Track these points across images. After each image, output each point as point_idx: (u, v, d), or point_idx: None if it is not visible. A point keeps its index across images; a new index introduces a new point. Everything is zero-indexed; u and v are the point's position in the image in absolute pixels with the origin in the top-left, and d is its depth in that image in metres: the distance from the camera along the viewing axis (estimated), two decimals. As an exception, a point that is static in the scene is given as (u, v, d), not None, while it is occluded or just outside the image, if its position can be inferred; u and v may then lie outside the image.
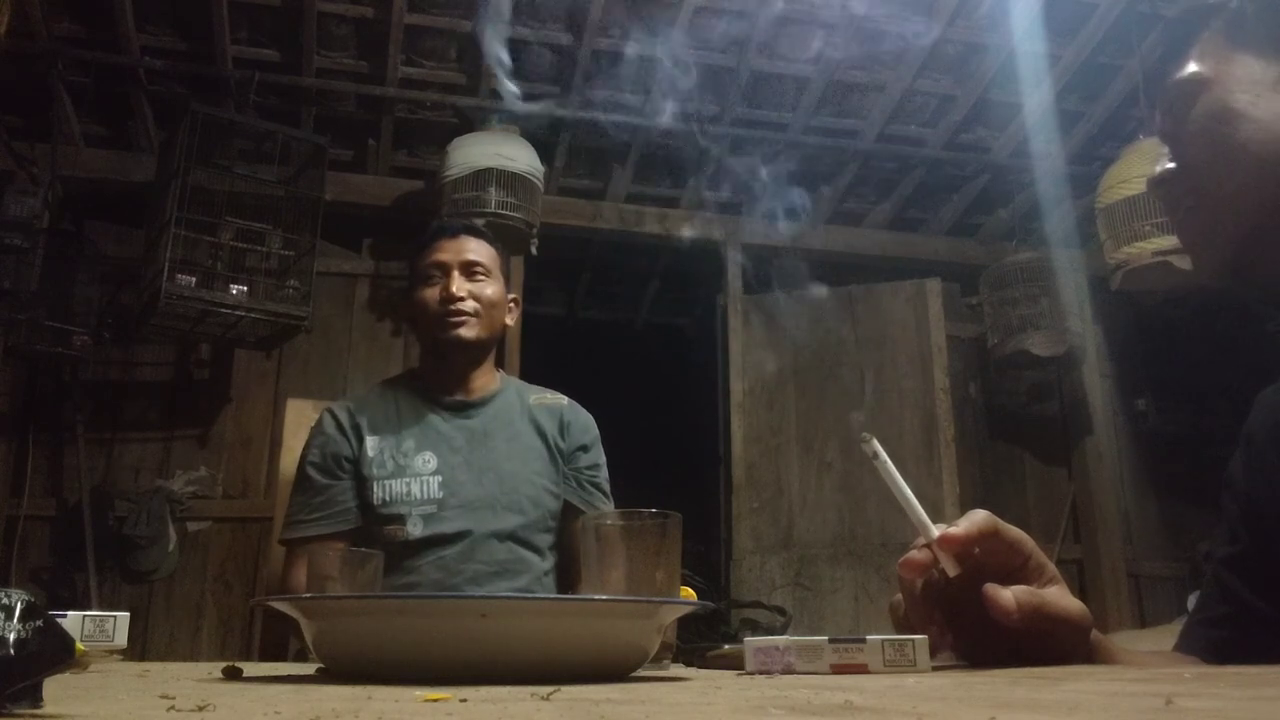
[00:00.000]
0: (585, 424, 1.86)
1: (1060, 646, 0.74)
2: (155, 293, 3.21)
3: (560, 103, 3.86)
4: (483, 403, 1.81)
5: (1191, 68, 0.85)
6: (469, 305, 1.74)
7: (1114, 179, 3.58)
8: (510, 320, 1.85)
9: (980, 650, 0.77)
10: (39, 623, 0.41)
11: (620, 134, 4.02)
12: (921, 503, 0.79)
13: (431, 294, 1.75)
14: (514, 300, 1.87)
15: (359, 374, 3.92)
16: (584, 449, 1.83)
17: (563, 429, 1.82)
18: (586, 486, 1.80)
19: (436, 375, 1.81)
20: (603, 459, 1.85)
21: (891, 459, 0.79)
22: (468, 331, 1.75)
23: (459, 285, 1.74)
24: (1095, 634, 0.78)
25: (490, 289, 1.78)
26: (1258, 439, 0.91)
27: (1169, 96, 0.87)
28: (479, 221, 3.40)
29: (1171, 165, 0.88)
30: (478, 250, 1.80)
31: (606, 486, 1.83)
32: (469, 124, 3.78)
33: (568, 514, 1.78)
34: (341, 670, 0.73)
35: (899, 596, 0.77)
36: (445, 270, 1.76)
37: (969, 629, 0.75)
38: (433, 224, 1.94)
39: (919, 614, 0.75)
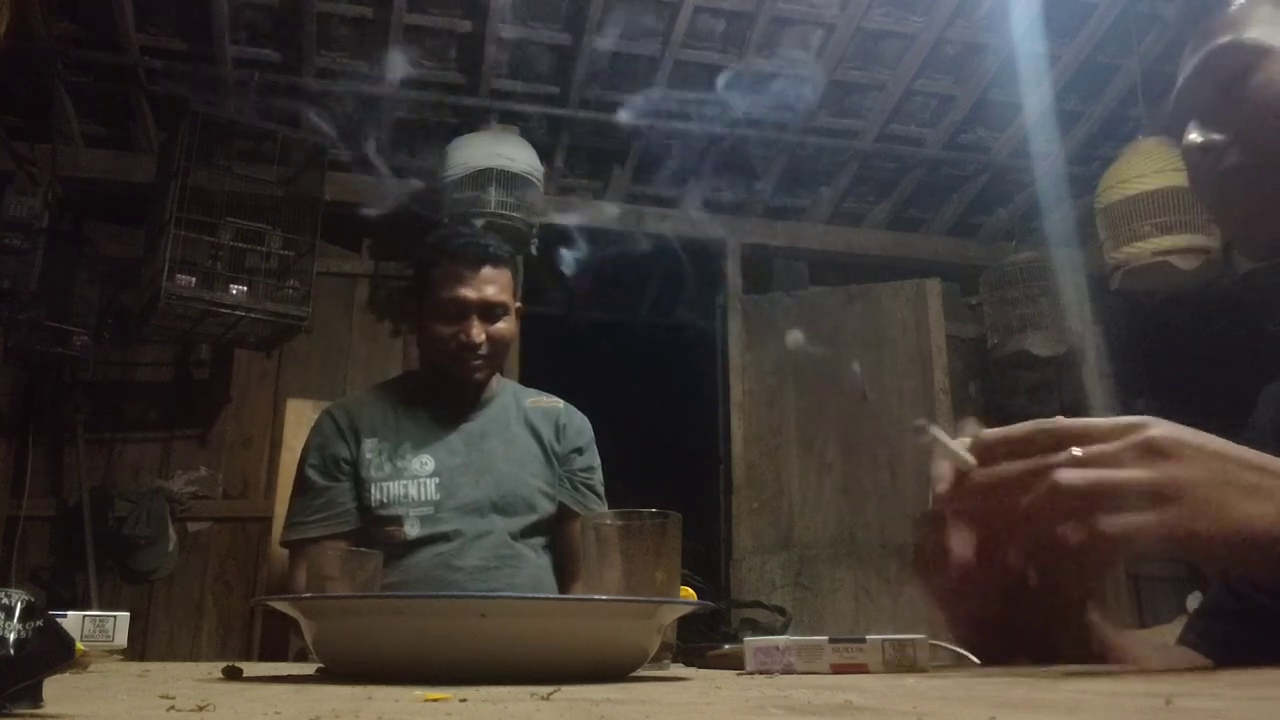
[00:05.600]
0: (580, 427, 1.87)
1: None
2: (155, 293, 3.21)
3: (560, 103, 3.86)
4: (480, 406, 1.82)
5: (1248, 34, 0.82)
6: (485, 349, 1.73)
7: (1114, 179, 3.58)
8: (514, 328, 1.83)
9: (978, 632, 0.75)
10: (39, 623, 0.41)
11: (620, 134, 4.02)
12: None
13: (448, 331, 1.72)
14: (518, 308, 1.85)
15: (359, 374, 3.92)
16: (579, 451, 1.84)
17: (558, 432, 1.84)
18: (580, 488, 1.81)
19: (436, 384, 1.81)
20: (597, 461, 1.87)
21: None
22: (481, 375, 1.77)
23: (478, 331, 1.71)
24: (1102, 617, 0.75)
25: (506, 326, 1.76)
26: (1266, 433, 0.90)
27: (1221, 63, 0.83)
28: (481, 223, 3.41)
29: (1218, 136, 0.84)
30: (497, 283, 1.74)
31: (600, 489, 1.85)
32: (469, 124, 3.78)
33: (562, 515, 1.80)
34: (341, 670, 0.73)
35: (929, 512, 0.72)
36: (464, 311, 1.71)
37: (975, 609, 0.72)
38: (447, 236, 1.84)
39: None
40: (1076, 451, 0.62)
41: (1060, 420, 0.65)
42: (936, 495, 0.69)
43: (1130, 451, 0.62)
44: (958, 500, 0.68)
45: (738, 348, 4.30)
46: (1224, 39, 0.83)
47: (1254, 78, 0.82)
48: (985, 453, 0.66)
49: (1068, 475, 0.61)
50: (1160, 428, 0.63)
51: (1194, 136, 0.86)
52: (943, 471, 0.70)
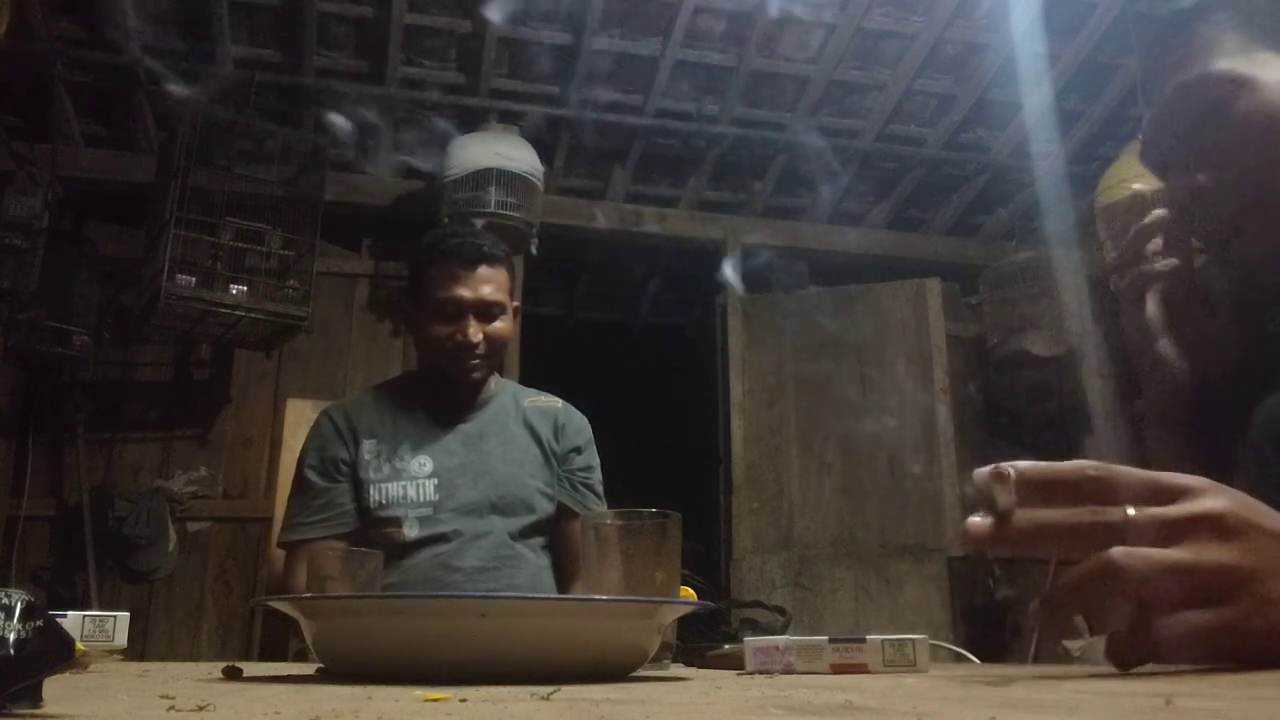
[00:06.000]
0: (579, 426, 1.86)
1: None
2: (155, 293, 3.21)
3: (560, 103, 3.86)
4: (479, 406, 1.81)
5: (1223, 66, 0.80)
6: (482, 349, 1.72)
7: (1114, 178, 3.58)
8: (512, 328, 1.82)
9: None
10: (39, 623, 0.41)
11: (620, 134, 4.02)
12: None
13: (444, 331, 1.71)
14: (515, 307, 1.83)
15: (359, 374, 3.92)
16: (577, 451, 1.83)
17: (557, 431, 1.83)
18: (580, 488, 1.80)
19: (434, 384, 1.80)
20: (596, 461, 1.86)
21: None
22: (478, 374, 1.76)
23: (474, 330, 1.70)
24: None
25: (503, 325, 1.75)
26: (1265, 455, 0.89)
27: (1194, 96, 0.81)
28: (481, 223, 3.41)
29: (1203, 176, 0.82)
30: (493, 282, 1.73)
31: (599, 488, 1.84)
32: (469, 124, 3.78)
33: (561, 515, 1.79)
34: (341, 670, 0.73)
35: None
36: (461, 311, 1.70)
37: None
38: (442, 236, 1.83)
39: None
40: (1131, 511, 0.56)
41: (1112, 469, 0.58)
42: (968, 533, 0.60)
43: (1191, 525, 0.56)
44: (994, 543, 0.60)
45: (738, 348, 4.30)
46: (1194, 72, 0.82)
47: (1235, 110, 0.80)
48: (1025, 491, 0.58)
49: (1124, 558, 0.55)
50: (1226, 500, 0.57)
51: (1181, 181, 0.84)
52: (981, 504, 0.61)
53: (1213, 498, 0.57)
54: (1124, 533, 0.56)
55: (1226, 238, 0.85)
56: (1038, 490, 0.58)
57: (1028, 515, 0.58)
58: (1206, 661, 0.57)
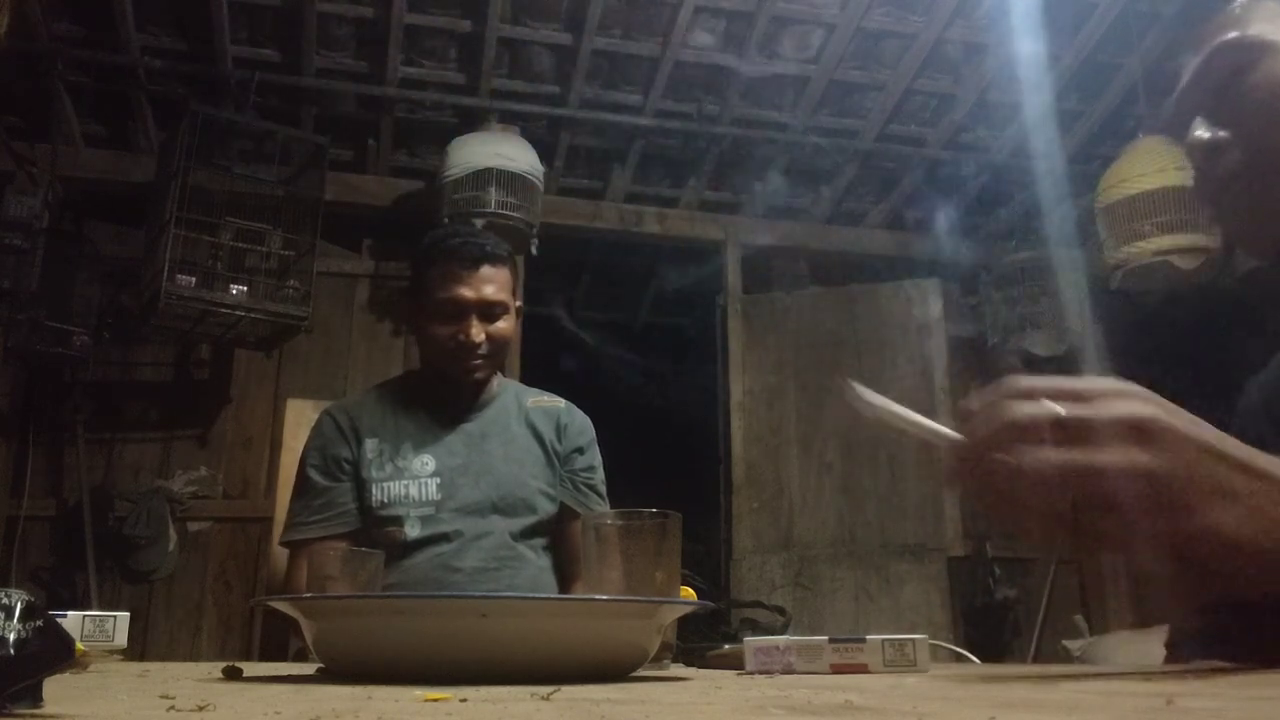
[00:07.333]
0: (582, 426, 1.86)
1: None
2: (155, 293, 3.21)
3: (560, 103, 3.86)
4: (481, 406, 1.81)
5: (1250, 30, 0.80)
6: (484, 349, 1.72)
7: (1114, 178, 3.58)
8: (514, 328, 1.82)
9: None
10: (39, 623, 0.41)
11: (620, 134, 4.02)
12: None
13: (446, 332, 1.70)
14: (518, 307, 1.83)
15: (359, 374, 3.92)
16: (580, 451, 1.83)
17: (559, 431, 1.83)
18: (582, 489, 1.80)
19: (436, 384, 1.80)
20: (598, 461, 1.85)
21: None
22: (480, 374, 1.76)
23: (476, 331, 1.70)
24: None
25: (505, 325, 1.74)
26: (1259, 419, 0.89)
27: (1222, 61, 0.81)
28: (481, 223, 3.42)
29: (1222, 133, 0.82)
30: (495, 282, 1.72)
31: (602, 488, 1.83)
32: (469, 124, 3.78)
33: (564, 516, 1.79)
34: (341, 670, 0.73)
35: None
36: (462, 311, 1.70)
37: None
38: (444, 236, 1.82)
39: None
40: (1060, 410, 0.56)
41: (1033, 379, 0.59)
42: (948, 478, 0.62)
43: (1116, 427, 0.55)
44: (960, 478, 0.61)
45: (738, 348, 4.30)
46: (1226, 36, 0.82)
47: (1254, 74, 0.80)
48: (968, 420, 0.60)
49: (1036, 459, 0.55)
50: (1153, 407, 0.57)
51: (1198, 134, 0.84)
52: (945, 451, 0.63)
53: (1140, 403, 0.57)
54: (1048, 431, 0.56)
55: (1234, 210, 0.85)
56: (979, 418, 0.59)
57: (973, 442, 0.59)
58: (1115, 557, 0.57)
